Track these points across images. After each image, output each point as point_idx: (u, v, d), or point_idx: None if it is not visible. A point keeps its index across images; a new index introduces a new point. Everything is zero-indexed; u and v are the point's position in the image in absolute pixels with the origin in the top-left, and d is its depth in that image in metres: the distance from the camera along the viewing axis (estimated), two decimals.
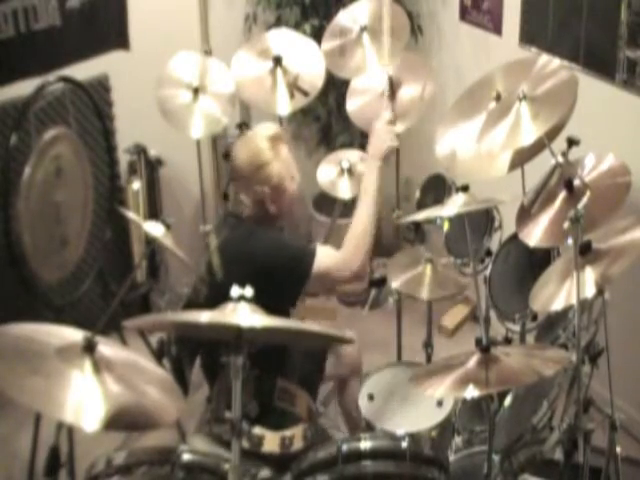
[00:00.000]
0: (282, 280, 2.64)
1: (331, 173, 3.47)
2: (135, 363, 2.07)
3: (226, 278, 2.67)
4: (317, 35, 3.64)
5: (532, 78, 2.72)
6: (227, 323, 1.97)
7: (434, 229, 3.26)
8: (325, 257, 2.72)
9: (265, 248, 2.70)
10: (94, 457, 2.32)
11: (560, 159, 2.64)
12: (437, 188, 3.28)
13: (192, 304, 2.86)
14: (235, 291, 2.03)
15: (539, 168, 2.74)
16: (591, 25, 3.32)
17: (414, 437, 2.45)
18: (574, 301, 2.21)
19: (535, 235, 2.69)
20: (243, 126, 3.66)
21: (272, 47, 3.48)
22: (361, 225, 2.77)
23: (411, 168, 4.15)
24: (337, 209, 3.54)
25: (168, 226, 2.59)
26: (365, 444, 2.36)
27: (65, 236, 3.42)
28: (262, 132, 2.79)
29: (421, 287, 3.09)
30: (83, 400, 1.83)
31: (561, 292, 2.32)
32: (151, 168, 4.17)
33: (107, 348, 1.99)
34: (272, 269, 2.64)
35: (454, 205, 2.64)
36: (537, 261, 2.88)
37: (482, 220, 3.17)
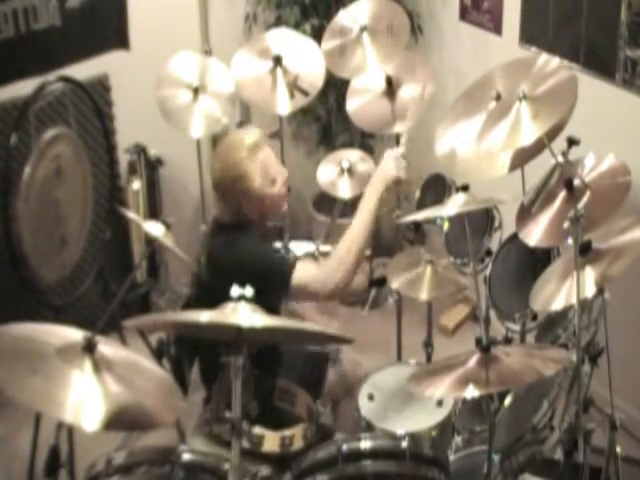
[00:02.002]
0: (261, 289, 2.62)
1: (331, 173, 3.47)
2: (135, 363, 2.07)
3: (210, 282, 2.68)
4: (317, 35, 3.64)
5: (532, 78, 2.72)
6: (227, 323, 1.97)
7: (434, 229, 3.25)
8: (304, 271, 2.71)
9: (244, 258, 2.69)
10: (94, 457, 2.32)
11: (560, 159, 2.64)
12: (437, 188, 3.28)
13: (191, 304, 2.86)
14: (235, 291, 2.03)
15: (539, 168, 2.74)
16: (591, 25, 3.32)
17: (414, 437, 2.45)
18: (574, 301, 2.21)
19: (535, 235, 2.69)
20: (243, 126, 3.67)
21: (272, 47, 3.48)
22: (348, 244, 2.74)
23: (411, 168, 4.14)
24: (337, 209, 3.54)
25: (168, 226, 2.59)
26: (365, 444, 2.36)
27: (65, 236, 3.42)
28: (239, 141, 2.76)
29: (421, 288, 3.09)
30: (83, 400, 1.83)
31: (561, 292, 2.32)
32: (151, 168, 4.16)
33: (107, 348, 1.99)
34: (251, 278, 2.62)
35: (454, 205, 2.64)
36: (537, 261, 2.88)
37: (482, 220, 3.17)
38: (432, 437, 2.76)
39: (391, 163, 2.90)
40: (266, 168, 2.76)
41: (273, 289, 2.66)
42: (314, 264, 2.80)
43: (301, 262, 2.76)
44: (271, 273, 2.68)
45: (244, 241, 2.75)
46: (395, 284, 3.13)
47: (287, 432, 2.68)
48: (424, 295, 3.09)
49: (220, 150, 2.83)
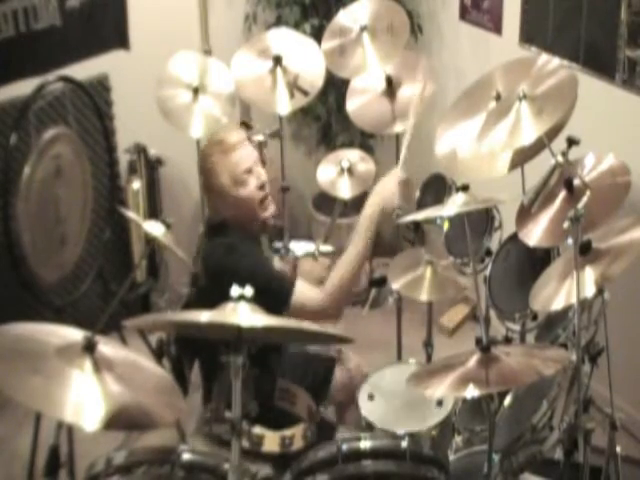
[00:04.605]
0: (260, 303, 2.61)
1: (331, 173, 3.47)
2: (135, 363, 2.07)
3: (208, 286, 2.68)
4: (317, 35, 3.64)
5: (532, 78, 2.71)
6: (227, 323, 1.97)
7: (434, 229, 3.25)
8: (301, 294, 2.70)
9: (246, 270, 2.65)
10: (94, 457, 2.32)
11: (560, 159, 2.64)
12: (437, 188, 3.28)
13: (192, 304, 2.86)
14: (235, 291, 2.03)
15: (539, 168, 2.74)
16: (591, 25, 3.32)
17: (414, 437, 2.45)
18: (574, 301, 2.21)
19: (535, 235, 2.69)
20: (243, 126, 3.66)
21: (272, 47, 3.48)
22: (346, 267, 2.76)
23: (411, 168, 4.14)
24: (337, 209, 3.54)
25: (168, 226, 2.58)
26: (365, 444, 2.36)
27: (65, 236, 3.42)
28: (216, 138, 2.81)
29: (421, 289, 3.09)
30: (83, 400, 1.83)
31: (561, 292, 2.32)
32: (151, 168, 4.17)
33: (107, 348, 1.99)
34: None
35: (454, 205, 2.64)
36: (537, 261, 2.88)
37: (482, 220, 3.17)
38: (432, 437, 2.76)
39: (391, 193, 2.85)
40: (233, 169, 2.75)
41: (273, 307, 2.65)
42: (311, 287, 2.78)
43: (299, 282, 2.74)
44: (270, 293, 2.63)
45: (243, 253, 2.72)
46: (395, 285, 3.12)
47: (287, 432, 2.68)
48: (424, 296, 3.09)
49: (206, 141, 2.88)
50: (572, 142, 2.75)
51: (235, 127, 2.96)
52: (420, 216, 2.95)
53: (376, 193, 2.88)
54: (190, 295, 2.92)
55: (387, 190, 2.87)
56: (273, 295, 2.64)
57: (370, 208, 2.84)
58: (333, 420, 3.03)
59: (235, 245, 2.72)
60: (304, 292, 2.72)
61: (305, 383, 2.91)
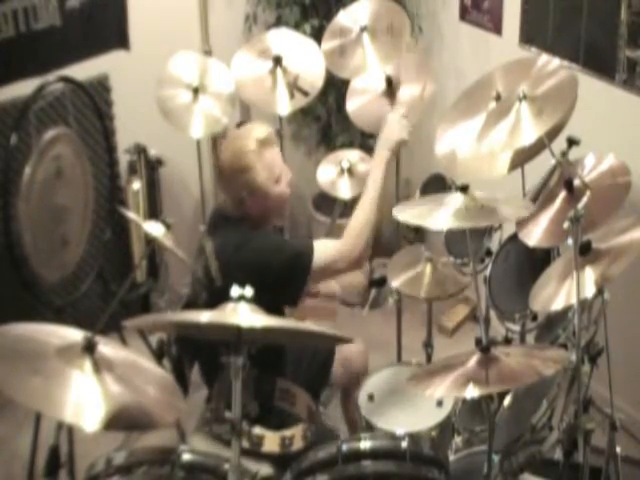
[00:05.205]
0: (283, 280, 2.64)
1: (331, 173, 3.48)
2: (135, 363, 2.07)
3: (225, 283, 2.66)
4: (317, 35, 3.64)
5: (532, 78, 2.72)
6: (227, 323, 1.97)
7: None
8: (323, 250, 2.72)
9: (264, 251, 2.69)
10: (94, 457, 2.32)
11: (560, 159, 2.64)
12: (437, 188, 3.28)
13: (192, 304, 2.85)
14: (235, 291, 2.03)
15: (539, 168, 2.74)
16: (591, 25, 3.32)
17: (414, 437, 2.45)
18: (574, 301, 2.21)
19: (535, 235, 2.69)
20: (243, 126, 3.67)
21: (272, 47, 3.48)
22: (363, 215, 2.78)
23: (411, 168, 4.15)
24: (337, 209, 3.54)
25: (168, 226, 2.58)
26: (365, 444, 2.36)
27: (65, 236, 3.42)
28: (249, 133, 2.76)
29: (421, 286, 3.09)
30: (83, 400, 1.84)
31: (561, 292, 2.32)
32: (151, 168, 4.16)
33: (107, 348, 1.99)
34: (272, 271, 2.63)
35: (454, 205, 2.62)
36: (537, 261, 2.88)
37: None
38: (432, 437, 2.76)
39: (395, 126, 2.91)
40: (271, 165, 2.74)
41: (297, 277, 2.68)
42: (331, 241, 2.80)
43: (318, 242, 2.75)
44: (294, 261, 2.68)
45: (261, 236, 2.74)
46: (395, 283, 3.13)
47: (287, 432, 2.67)
48: (424, 293, 3.09)
49: (230, 140, 2.84)
50: (572, 142, 2.76)
51: (260, 122, 2.92)
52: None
53: (383, 136, 2.90)
54: (199, 300, 2.86)
55: (394, 126, 2.91)
56: (296, 263, 2.68)
57: (380, 151, 2.87)
58: (333, 426, 3.03)
59: (245, 237, 2.72)
60: (325, 247, 2.73)
61: (302, 368, 2.91)
